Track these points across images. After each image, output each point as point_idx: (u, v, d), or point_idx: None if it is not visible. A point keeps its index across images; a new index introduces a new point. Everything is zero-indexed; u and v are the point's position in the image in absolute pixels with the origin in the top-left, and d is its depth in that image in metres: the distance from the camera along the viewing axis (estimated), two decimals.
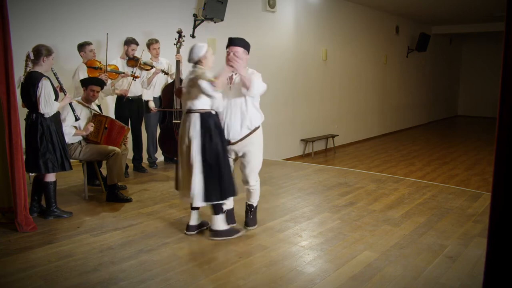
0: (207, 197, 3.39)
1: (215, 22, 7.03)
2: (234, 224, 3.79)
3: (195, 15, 6.78)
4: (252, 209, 3.81)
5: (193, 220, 3.66)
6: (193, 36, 6.79)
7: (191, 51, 3.42)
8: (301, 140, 9.72)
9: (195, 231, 3.66)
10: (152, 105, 5.72)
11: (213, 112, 3.42)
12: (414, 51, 13.72)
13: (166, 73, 5.66)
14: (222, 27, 7.19)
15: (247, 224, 3.80)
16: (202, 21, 6.84)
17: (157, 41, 5.69)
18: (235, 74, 3.48)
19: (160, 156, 6.27)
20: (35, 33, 5.14)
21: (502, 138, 1.85)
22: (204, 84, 3.23)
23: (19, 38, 4.81)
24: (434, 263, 3.13)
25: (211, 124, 3.37)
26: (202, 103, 3.36)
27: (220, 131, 3.45)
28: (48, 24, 5.39)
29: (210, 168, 3.36)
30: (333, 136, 10.40)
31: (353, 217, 4.12)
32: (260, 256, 3.24)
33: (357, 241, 3.52)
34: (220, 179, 3.39)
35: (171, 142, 5.89)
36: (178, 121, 5.75)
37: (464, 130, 15.19)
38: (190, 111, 3.41)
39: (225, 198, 3.46)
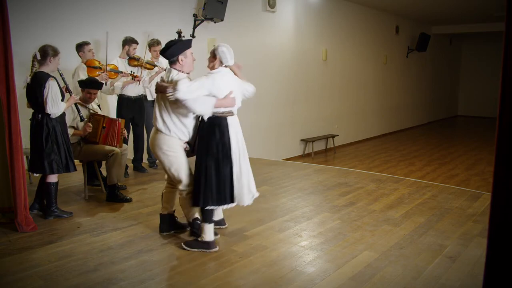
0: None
1: (215, 22, 7.03)
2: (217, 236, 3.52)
3: (195, 15, 6.78)
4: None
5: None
6: (193, 36, 6.79)
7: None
8: (301, 140, 9.72)
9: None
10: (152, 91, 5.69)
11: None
12: (414, 51, 13.71)
13: None
14: (222, 27, 7.19)
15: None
16: (202, 21, 6.84)
17: (158, 43, 5.67)
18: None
19: None
20: (35, 33, 5.14)
21: (502, 138, 1.85)
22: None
23: (19, 38, 4.82)
24: (434, 263, 3.13)
25: (203, 129, 3.25)
26: None
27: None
28: (48, 24, 5.39)
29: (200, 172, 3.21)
30: (333, 136, 10.40)
31: (353, 217, 4.12)
32: (260, 256, 3.24)
33: (357, 241, 3.52)
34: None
35: None
36: None
37: (464, 130, 15.19)
38: None
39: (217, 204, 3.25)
